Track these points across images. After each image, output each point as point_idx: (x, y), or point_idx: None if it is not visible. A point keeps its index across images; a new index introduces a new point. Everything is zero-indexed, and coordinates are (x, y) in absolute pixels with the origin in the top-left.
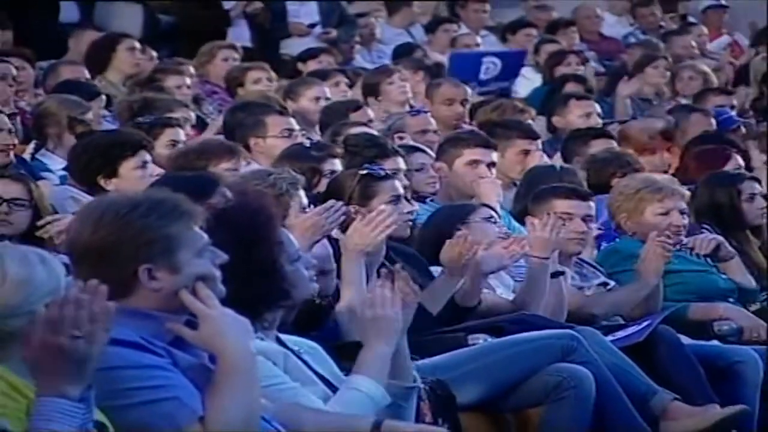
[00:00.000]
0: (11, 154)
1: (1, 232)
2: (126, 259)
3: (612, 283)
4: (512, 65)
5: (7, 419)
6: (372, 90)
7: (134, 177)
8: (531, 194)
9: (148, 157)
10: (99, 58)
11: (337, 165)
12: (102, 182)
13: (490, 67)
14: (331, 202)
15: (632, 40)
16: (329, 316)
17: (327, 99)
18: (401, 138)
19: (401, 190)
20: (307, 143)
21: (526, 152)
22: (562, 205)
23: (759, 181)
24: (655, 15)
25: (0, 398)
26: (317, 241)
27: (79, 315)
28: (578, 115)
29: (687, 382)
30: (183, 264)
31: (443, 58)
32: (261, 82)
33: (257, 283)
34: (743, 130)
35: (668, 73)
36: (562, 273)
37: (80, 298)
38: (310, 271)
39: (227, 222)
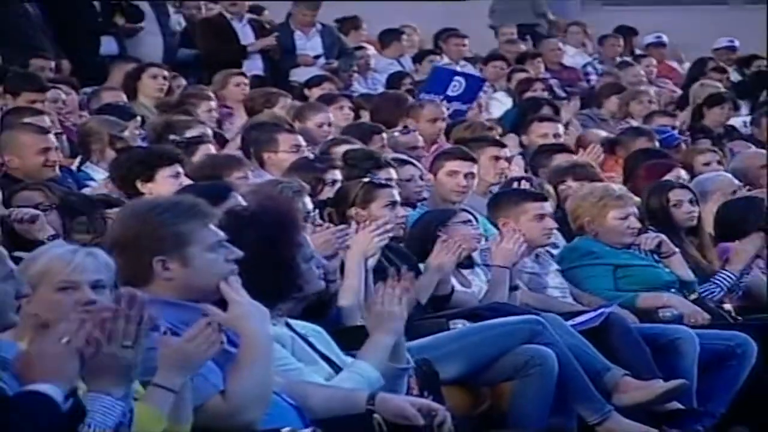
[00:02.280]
0: (57, 168)
1: (40, 236)
2: (143, 251)
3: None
4: (471, 89)
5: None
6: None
7: (168, 183)
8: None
9: (180, 169)
10: (131, 84)
11: (338, 175)
12: (139, 185)
13: (456, 86)
14: (343, 226)
15: (590, 69)
16: (332, 307)
17: (329, 124)
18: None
19: (397, 197)
20: (312, 157)
21: (497, 158)
22: (534, 207)
23: (692, 191)
24: (621, 45)
25: None
26: (331, 257)
27: (129, 327)
28: (540, 134)
29: (636, 361)
30: (194, 258)
31: None
32: (287, 106)
33: (277, 277)
34: (683, 146)
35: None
36: (517, 288)
37: (129, 313)
38: (320, 270)
39: (256, 222)
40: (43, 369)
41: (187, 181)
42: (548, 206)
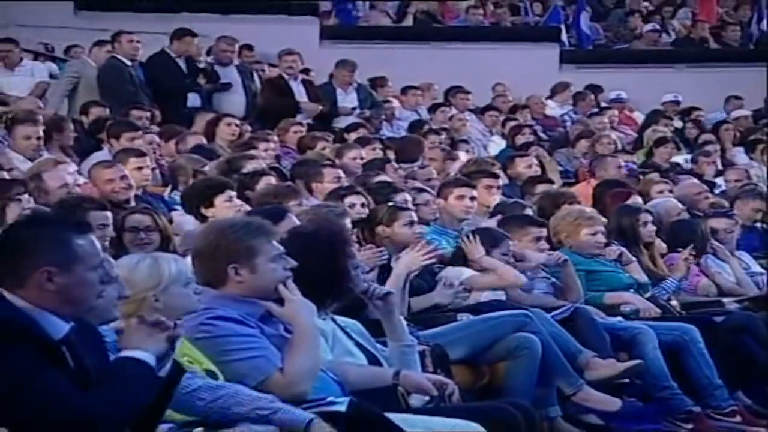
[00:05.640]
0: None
1: (142, 251)
2: (220, 260)
3: (552, 279)
4: None
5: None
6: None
7: (224, 207)
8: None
9: (233, 194)
10: (210, 130)
11: (356, 200)
12: (203, 211)
13: None
14: (382, 248)
15: (566, 117)
16: (366, 308)
17: (362, 158)
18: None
19: (415, 218)
20: (344, 185)
21: (490, 187)
22: (534, 231)
23: (652, 213)
24: (593, 100)
25: None
26: (369, 271)
27: None
28: (523, 167)
29: (596, 344)
30: (260, 266)
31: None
32: (327, 148)
33: (335, 282)
34: (640, 178)
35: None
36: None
37: None
38: (364, 275)
39: (317, 240)
40: (135, 339)
41: (239, 203)
42: (545, 231)
